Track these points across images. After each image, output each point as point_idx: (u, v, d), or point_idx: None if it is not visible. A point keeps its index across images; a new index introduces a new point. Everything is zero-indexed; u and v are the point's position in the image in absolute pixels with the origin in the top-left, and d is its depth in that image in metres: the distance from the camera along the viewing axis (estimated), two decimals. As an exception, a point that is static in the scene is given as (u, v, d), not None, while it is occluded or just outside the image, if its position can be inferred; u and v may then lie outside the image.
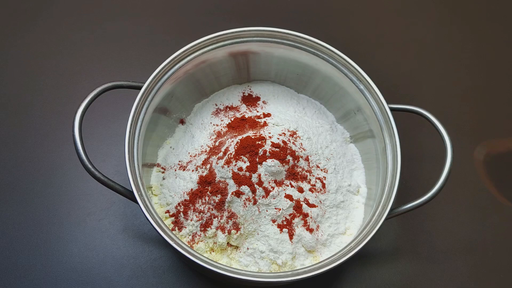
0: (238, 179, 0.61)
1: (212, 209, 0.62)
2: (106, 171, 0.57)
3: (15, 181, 0.76)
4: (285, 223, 0.62)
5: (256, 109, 0.75)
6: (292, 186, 0.63)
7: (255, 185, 0.61)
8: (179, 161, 0.69)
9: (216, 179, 0.62)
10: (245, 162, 0.62)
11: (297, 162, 0.65)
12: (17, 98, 0.83)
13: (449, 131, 0.59)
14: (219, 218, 0.62)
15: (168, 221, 0.64)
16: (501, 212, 0.78)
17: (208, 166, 0.64)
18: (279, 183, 0.62)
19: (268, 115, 0.72)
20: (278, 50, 0.71)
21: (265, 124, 0.70)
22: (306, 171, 0.65)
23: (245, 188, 0.61)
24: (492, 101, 0.90)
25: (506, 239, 0.76)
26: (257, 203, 0.61)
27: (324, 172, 0.68)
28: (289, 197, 0.62)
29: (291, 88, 0.79)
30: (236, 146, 0.63)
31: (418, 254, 0.74)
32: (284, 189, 0.63)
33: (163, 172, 0.69)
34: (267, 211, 0.62)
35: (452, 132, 0.61)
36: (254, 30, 0.67)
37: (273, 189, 0.62)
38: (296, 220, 0.62)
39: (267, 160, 0.61)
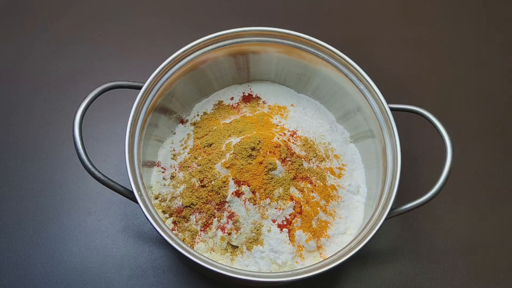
0: (238, 179, 0.61)
1: (212, 209, 0.62)
2: (106, 171, 0.57)
3: (15, 181, 0.76)
4: (285, 223, 0.62)
5: (256, 109, 0.75)
6: (292, 186, 0.63)
7: (255, 185, 0.61)
8: (179, 161, 0.69)
9: (216, 179, 0.62)
10: (245, 162, 0.62)
11: (297, 162, 0.64)
12: (17, 98, 0.83)
13: (449, 131, 0.60)
14: (219, 218, 0.62)
15: (168, 221, 0.64)
16: (501, 212, 0.78)
17: (209, 166, 0.64)
18: (279, 183, 0.62)
19: (269, 115, 0.72)
20: (278, 50, 0.71)
21: (265, 124, 0.70)
22: (306, 171, 0.65)
23: (245, 188, 0.61)
24: (492, 100, 0.90)
25: (506, 239, 0.76)
26: (257, 203, 0.61)
27: (324, 171, 0.68)
28: (289, 197, 0.62)
29: (291, 88, 0.79)
30: (236, 146, 0.63)
31: (418, 254, 0.74)
32: (285, 189, 0.63)
33: (163, 172, 0.69)
34: (267, 210, 0.62)
35: (452, 132, 0.61)
36: (254, 30, 0.67)
37: (273, 189, 0.62)
38: (296, 220, 0.62)
39: (267, 160, 0.61)
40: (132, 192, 0.55)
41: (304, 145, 0.68)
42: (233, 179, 0.61)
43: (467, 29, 0.99)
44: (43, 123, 0.81)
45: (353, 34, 0.96)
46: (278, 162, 0.62)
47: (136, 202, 0.54)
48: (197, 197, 0.63)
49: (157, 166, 0.70)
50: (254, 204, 0.61)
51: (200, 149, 0.68)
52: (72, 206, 0.74)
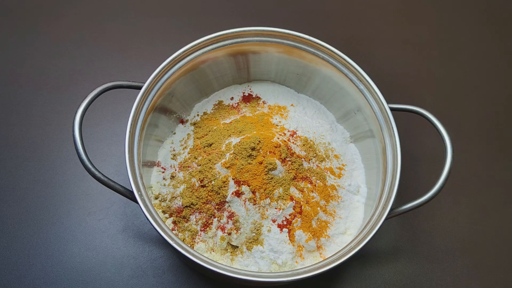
0: (238, 179, 0.61)
1: (212, 209, 0.62)
2: (106, 171, 0.57)
3: (15, 181, 0.76)
4: (285, 223, 0.62)
5: (256, 109, 0.75)
6: (292, 186, 0.63)
7: (255, 185, 0.61)
8: (179, 161, 0.69)
9: (216, 179, 0.62)
10: (245, 162, 0.62)
11: (297, 162, 0.65)
12: (17, 98, 0.83)
13: (449, 131, 0.60)
14: (219, 218, 0.62)
15: (168, 221, 0.64)
16: (501, 212, 0.78)
17: (209, 166, 0.64)
18: (279, 183, 0.62)
19: (269, 115, 0.72)
20: (278, 50, 0.71)
21: (265, 124, 0.70)
22: (306, 171, 0.65)
23: (245, 188, 0.61)
24: (492, 100, 0.90)
25: (506, 239, 0.76)
26: (257, 203, 0.61)
27: (324, 171, 0.68)
28: (289, 197, 0.62)
29: (291, 88, 0.79)
30: (236, 146, 0.63)
31: (418, 254, 0.74)
32: (285, 189, 0.63)
33: (163, 172, 0.69)
34: (267, 210, 0.62)
35: (452, 132, 0.61)
36: (254, 30, 0.67)
37: (273, 189, 0.62)
38: (296, 220, 0.62)
39: (267, 160, 0.61)
40: (132, 192, 0.55)
41: (304, 145, 0.68)
42: (233, 179, 0.61)
43: (467, 29, 0.99)
44: (43, 123, 0.81)
45: (353, 34, 0.96)
46: (278, 162, 0.62)
47: (136, 202, 0.54)
48: (197, 197, 0.63)
49: (157, 166, 0.70)
50: (254, 204, 0.61)
51: (200, 149, 0.68)
52: (72, 206, 0.74)
